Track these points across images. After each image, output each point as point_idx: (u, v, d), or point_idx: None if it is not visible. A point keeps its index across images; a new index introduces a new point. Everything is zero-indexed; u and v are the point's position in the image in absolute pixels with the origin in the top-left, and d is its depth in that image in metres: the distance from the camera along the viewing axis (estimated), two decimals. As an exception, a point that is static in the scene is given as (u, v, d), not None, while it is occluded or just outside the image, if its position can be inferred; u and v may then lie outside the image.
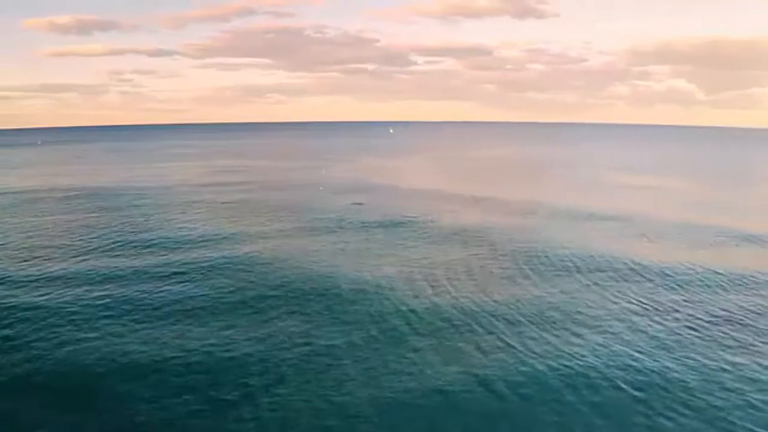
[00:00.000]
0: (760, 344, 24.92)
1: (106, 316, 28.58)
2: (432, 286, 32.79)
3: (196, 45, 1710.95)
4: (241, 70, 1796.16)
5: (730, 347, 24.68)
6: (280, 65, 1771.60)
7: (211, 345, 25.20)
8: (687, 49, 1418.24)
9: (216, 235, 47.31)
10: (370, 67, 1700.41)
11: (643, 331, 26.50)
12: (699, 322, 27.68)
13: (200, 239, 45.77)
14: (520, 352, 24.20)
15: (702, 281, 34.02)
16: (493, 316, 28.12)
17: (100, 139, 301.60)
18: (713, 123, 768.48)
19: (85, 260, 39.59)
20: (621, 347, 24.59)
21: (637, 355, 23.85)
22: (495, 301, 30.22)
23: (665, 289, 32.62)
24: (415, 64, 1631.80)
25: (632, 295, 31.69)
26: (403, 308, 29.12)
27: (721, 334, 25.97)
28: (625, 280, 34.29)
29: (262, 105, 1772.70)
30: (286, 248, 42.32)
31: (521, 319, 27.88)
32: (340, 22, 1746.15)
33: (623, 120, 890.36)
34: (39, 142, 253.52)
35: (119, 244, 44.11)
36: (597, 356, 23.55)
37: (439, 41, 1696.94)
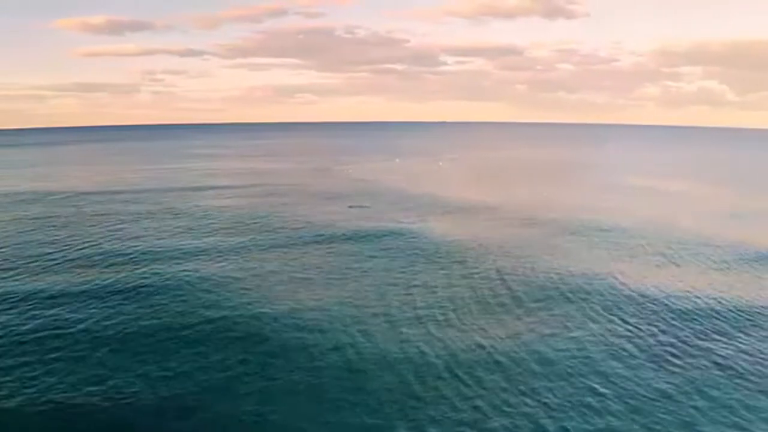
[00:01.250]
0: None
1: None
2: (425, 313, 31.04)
3: (227, 45, 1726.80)
4: (271, 70, 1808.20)
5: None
6: (311, 65, 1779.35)
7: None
8: (719, 50, 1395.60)
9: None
10: (399, 67, 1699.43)
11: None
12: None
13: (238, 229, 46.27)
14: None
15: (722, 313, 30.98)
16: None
17: (130, 138, 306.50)
18: (743, 124, 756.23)
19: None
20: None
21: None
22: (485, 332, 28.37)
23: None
24: (445, 64, 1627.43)
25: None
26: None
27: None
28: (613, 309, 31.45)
29: (292, 105, 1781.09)
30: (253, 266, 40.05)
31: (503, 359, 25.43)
32: (370, 22, 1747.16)
33: (654, 121, 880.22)
34: (67, 141, 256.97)
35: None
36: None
37: (469, 41, 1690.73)
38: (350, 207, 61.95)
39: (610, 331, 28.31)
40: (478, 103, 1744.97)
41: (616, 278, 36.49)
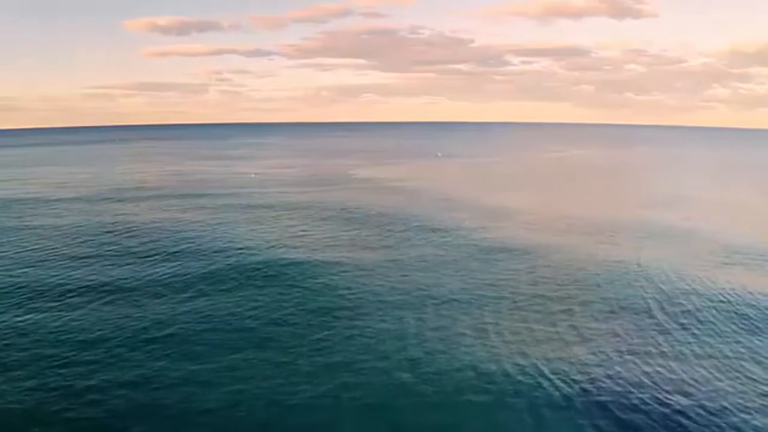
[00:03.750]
0: None
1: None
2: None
3: (292, 45, 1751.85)
4: (335, 71, 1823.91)
5: None
6: (375, 65, 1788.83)
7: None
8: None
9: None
10: (464, 67, 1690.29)
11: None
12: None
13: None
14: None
15: None
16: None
17: (200, 136, 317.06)
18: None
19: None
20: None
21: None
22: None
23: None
24: (511, 64, 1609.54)
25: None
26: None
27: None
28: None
29: (356, 105, 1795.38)
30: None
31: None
32: (434, 22, 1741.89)
33: (723, 124, 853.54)
34: (115, 140, 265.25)
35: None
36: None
37: (535, 42, 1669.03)
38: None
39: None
40: (544, 103, 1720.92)
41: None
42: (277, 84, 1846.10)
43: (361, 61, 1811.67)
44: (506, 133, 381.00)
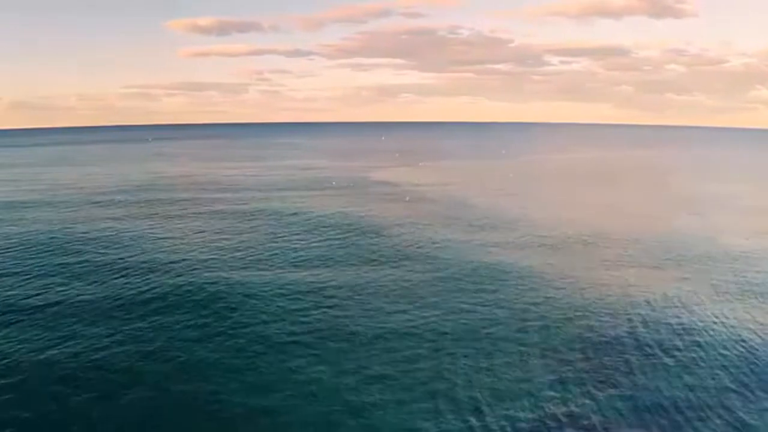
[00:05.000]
0: None
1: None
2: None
3: (331, 45, 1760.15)
4: (374, 71, 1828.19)
5: None
6: (414, 65, 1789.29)
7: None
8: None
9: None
10: (503, 67, 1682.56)
11: None
12: None
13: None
14: None
15: None
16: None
17: (243, 135, 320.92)
18: None
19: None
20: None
21: None
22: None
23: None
24: (549, 64, 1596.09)
25: None
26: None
27: None
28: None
29: (395, 105, 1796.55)
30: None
31: None
32: (473, 22, 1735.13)
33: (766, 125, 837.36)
34: (150, 139, 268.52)
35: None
36: None
37: (574, 41, 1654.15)
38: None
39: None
40: (583, 104, 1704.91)
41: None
42: (317, 84, 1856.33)
43: (400, 61, 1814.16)
44: (551, 133, 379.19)
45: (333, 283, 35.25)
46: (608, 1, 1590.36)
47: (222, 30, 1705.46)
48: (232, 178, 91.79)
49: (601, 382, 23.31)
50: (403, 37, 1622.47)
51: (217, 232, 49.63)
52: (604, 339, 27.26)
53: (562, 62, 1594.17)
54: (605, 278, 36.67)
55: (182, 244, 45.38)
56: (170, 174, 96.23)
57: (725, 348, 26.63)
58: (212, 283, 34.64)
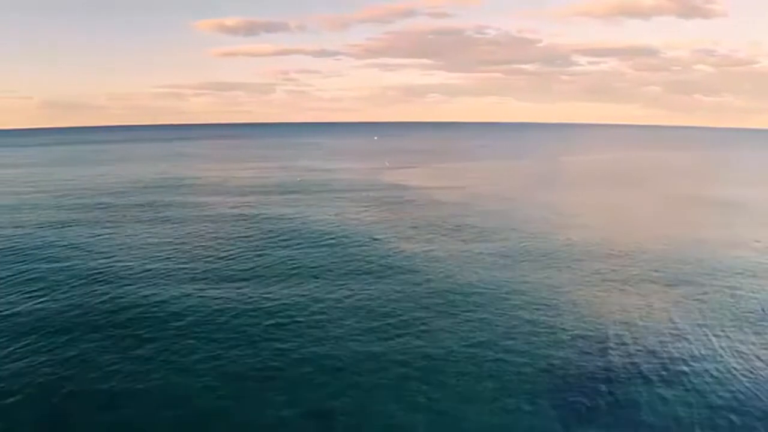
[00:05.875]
0: None
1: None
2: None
3: (358, 45, 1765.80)
4: (401, 71, 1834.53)
5: None
6: (440, 65, 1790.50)
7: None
8: None
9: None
10: (530, 67, 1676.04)
11: None
12: None
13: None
14: None
15: None
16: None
17: (268, 134, 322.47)
18: None
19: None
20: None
21: None
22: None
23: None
24: (577, 64, 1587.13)
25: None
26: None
27: None
28: None
29: (422, 104, 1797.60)
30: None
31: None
32: (500, 22, 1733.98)
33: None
34: (173, 139, 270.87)
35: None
36: None
37: (601, 41, 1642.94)
38: None
39: None
40: (611, 104, 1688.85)
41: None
42: (343, 84, 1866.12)
43: (427, 61, 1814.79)
44: (581, 133, 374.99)
45: (325, 295, 33.08)
46: (636, 1, 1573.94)
47: (249, 30, 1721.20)
48: (239, 180, 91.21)
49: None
50: (429, 37, 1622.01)
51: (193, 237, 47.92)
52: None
53: (590, 62, 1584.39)
54: (620, 299, 33.77)
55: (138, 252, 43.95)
56: (175, 175, 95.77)
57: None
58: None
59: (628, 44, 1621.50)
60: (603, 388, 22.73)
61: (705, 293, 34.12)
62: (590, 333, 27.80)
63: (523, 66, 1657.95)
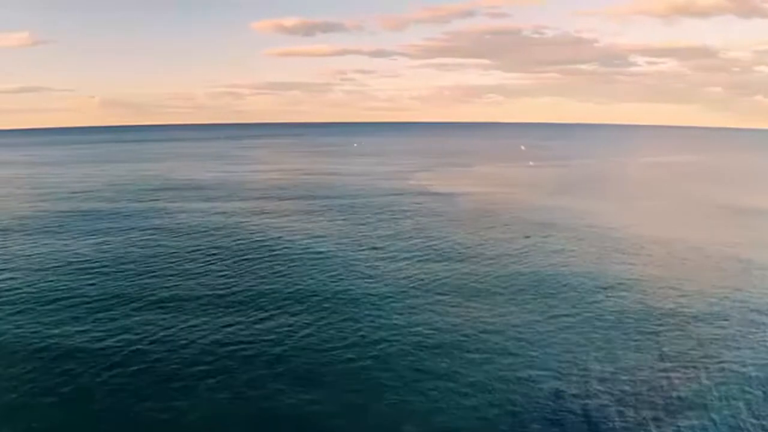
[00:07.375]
0: None
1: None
2: None
3: (415, 46, 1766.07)
4: (458, 71, 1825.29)
5: None
6: (498, 66, 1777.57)
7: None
8: None
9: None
10: (588, 67, 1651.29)
11: None
12: None
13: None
14: None
15: None
16: None
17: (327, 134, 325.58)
18: None
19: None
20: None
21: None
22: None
23: None
24: (636, 65, 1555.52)
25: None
26: None
27: None
28: None
29: (479, 105, 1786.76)
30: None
31: None
32: (558, 22, 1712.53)
33: None
34: (221, 138, 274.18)
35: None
36: None
37: (660, 41, 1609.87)
38: None
39: None
40: (672, 105, 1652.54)
41: None
42: (400, 84, 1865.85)
43: (484, 61, 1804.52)
44: (651, 135, 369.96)
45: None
46: (695, 1, 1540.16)
47: (306, 30, 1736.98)
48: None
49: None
50: (487, 37, 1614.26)
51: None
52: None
53: (648, 63, 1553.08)
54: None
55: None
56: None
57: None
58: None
59: (687, 44, 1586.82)
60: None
61: None
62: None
63: (581, 66, 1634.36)
